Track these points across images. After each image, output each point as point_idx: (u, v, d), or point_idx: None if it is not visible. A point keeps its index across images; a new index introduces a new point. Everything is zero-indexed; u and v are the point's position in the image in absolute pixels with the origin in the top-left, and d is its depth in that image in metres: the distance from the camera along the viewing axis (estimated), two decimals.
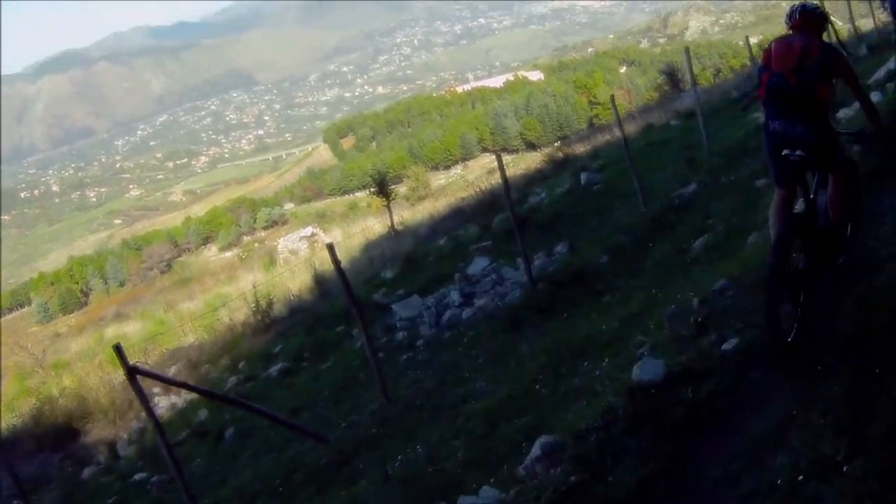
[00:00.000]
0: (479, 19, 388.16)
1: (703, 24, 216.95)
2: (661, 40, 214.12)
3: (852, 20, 31.79)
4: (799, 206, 6.65)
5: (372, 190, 41.94)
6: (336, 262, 11.55)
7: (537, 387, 8.79)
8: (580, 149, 32.77)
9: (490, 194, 24.76)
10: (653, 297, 10.02)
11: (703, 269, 10.00)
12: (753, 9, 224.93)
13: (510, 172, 38.24)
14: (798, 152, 5.89)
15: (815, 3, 6.69)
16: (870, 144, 7.66)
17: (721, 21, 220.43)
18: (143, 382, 9.63)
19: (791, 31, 6.25)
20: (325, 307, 20.40)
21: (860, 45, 23.97)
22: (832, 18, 21.47)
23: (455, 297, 15.28)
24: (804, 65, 5.82)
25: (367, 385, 12.36)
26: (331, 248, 11.78)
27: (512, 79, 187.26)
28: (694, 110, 20.13)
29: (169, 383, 15.67)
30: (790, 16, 6.34)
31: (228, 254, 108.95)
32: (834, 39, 21.97)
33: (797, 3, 6.39)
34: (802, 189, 6.26)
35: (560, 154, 31.39)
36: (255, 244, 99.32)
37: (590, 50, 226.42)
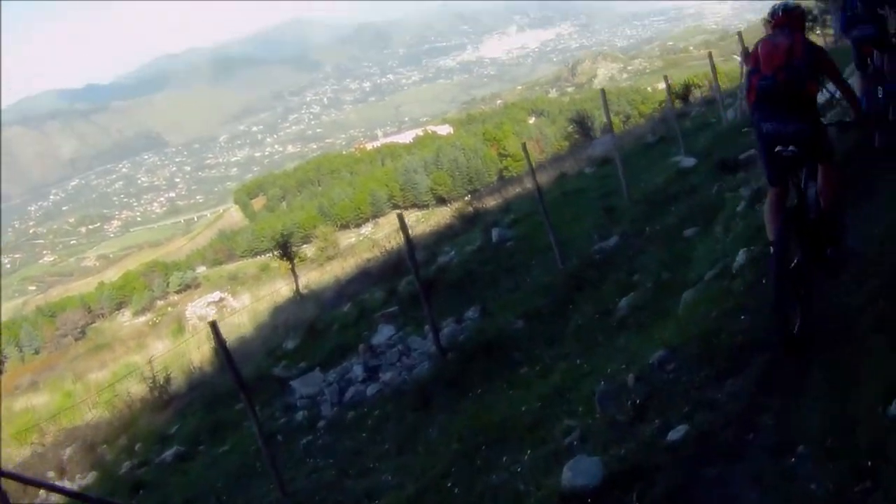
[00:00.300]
0: (388, 75, 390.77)
1: (611, 72, 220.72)
2: (570, 89, 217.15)
3: None
4: (791, 201, 6.67)
5: (276, 254, 40.64)
6: (221, 342, 10.68)
7: (449, 483, 7.72)
8: (491, 202, 32.10)
9: (397, 255, 23.73)
10: (577, 369, 9.10)
11: (632, 335, 9.14)
12: (661, 54, 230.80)
13: (420, 229, 37.67)
14: (791, 148, 6.14)
15: (795, 1, 6.71)
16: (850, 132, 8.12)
17: (629, 68, 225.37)
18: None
19: (773, 31, 6.42)
20: (226, 381, 19.22)
21: None
22: None
23: (358, 371, 14.24)
24: (791, 63, 6.00)
25: (264, 475, 11.19)
26: (214, 326, 10.70)
27: (421, 134, 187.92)
28: (608, 157, 19.46)
29: (30, 484, 14.27)
30: (772, 14, 6.52)
31: (142, 319, 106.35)
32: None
33: (777, 1, 6.50)
34: (794, 184, 6.50)
35: (470, 209, 30.50)
36: (168, 308, 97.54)
37: (498, 102, 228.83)
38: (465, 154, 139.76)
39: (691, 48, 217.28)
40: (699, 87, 58.63)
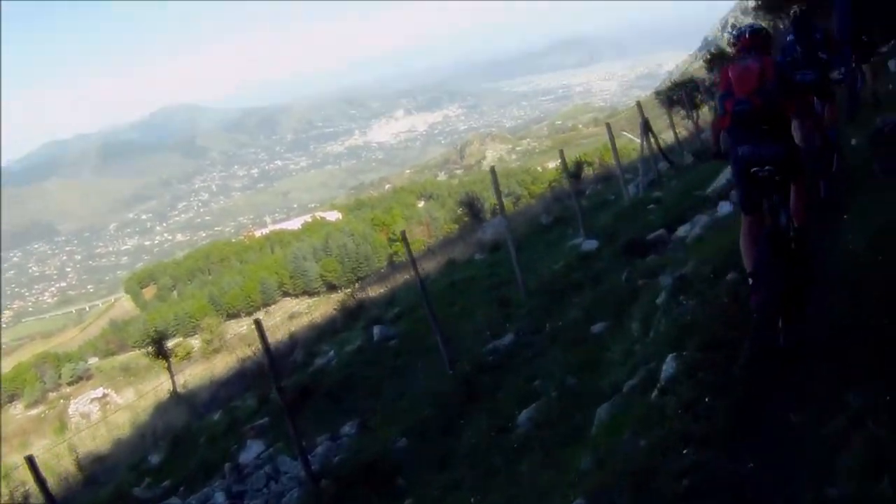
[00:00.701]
0: (276, 161, 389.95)
1: (500, 153, 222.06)
2: (459, 171, 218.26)
3: (672, 127, 31.60)
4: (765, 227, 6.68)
5: (148, 351, 38.25)
6: (41, 481, 9.20)
7: None
8: (378, 291, 30.75)
9: (276, 352, 21.95)
10: None
11: (537, 463, 7.72)
12: (550, 133, 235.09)
13: (307, 320, 36.36)
14: (767, 168, 6.27)
15: (760, 24, 7.46)
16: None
17: (518, 148, 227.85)
18: None
19: (740, 54, 6.62)
20: (89, 497, 17.51)
21: (683, 153, 23.23)
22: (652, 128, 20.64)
23: (220, 499, 12.55)
24: (765, 85, 6.17)
25: None
26: (31, 461, 9.09)
27: (310, 220, 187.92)
28: (500, 241, 18.11)
29: None
30: (738, 37, 6.74)
31: (34, 411, 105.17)
32: (655, 148, 21.43)
33: (743, 25, 6.90)
34: (769, 208, 6.57)
35: (353, 300, 28.87)
36: (60, 400, 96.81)
37: (387, 186, 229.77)
38: (354, 240, 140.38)
39: (580, 126, 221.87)
40: (591, 164, 58.51)
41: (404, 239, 17.04)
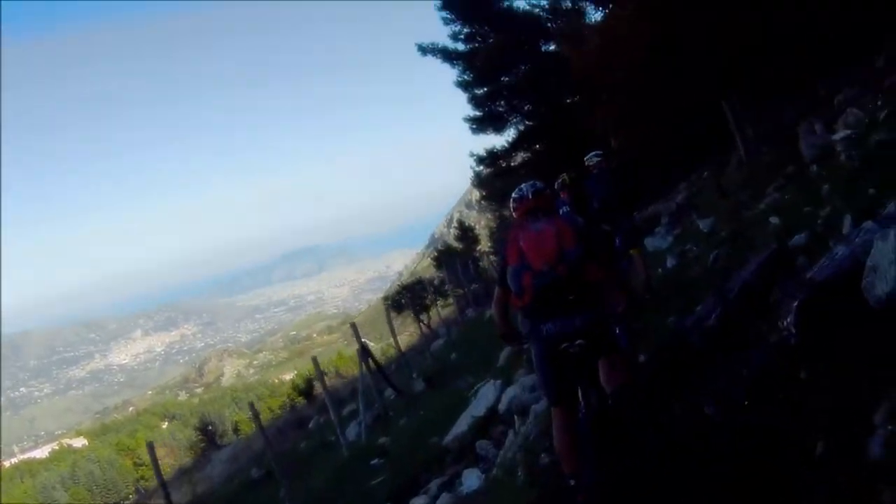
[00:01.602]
0: (21, 389, 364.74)
1: (238, 368, 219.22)
2: (199, 390, 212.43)
3: (397, 345, 28.72)
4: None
5: None
6: None
7: None
8: None
9: None
10: None
11: None
12: (286, 345, 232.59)
13: None
14: (579, 342, 5.30)
15: (539, 182, 6.05)
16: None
17: (255, 362, 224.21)
18: None
19: (524, 218, 5.74)
20: None
21: (413, 374, 20.31)
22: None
23: None
24: (565, 251, 5.33)
25: None
26: None
27: (57, 448, 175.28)
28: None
29: None
30: (520, 200, 5.88)
31: None
32: (377, 371, 18.49)
33: (522, 185, 5.96)
34: (582, 391, 5.59)
35: None
36: None
37: (131, 409, 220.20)
38: (101, 466, 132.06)
39: (315, 335, 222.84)
40: (327, 374, 55.63)
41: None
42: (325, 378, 52.98)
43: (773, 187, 14.38)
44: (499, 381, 11.95)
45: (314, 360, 19.92)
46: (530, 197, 5.79)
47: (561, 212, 8.50)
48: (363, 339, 17.82)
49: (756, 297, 7.71)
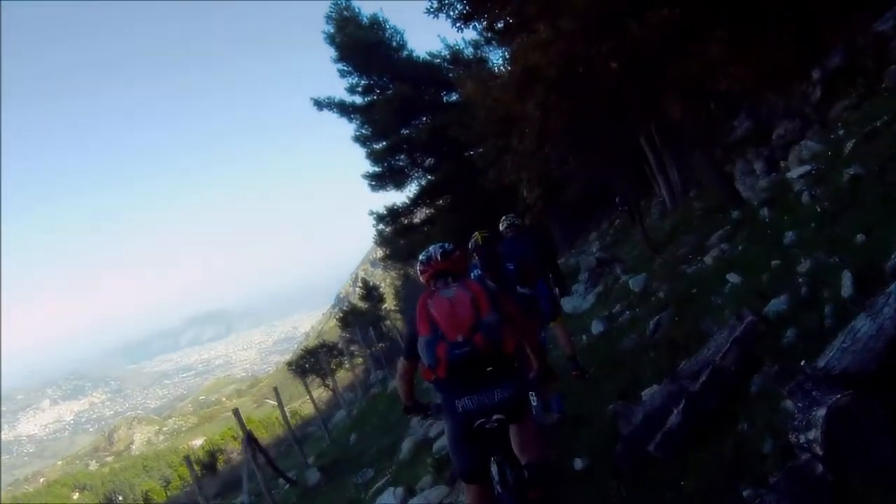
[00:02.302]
0: None
1: (148, 435, 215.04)
2: (109, 458, 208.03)
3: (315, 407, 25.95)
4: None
5: None
6: None
7: None
8: None
9: None
10: None
11: None
12: (195, 409, 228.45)
13: None
14: (496, 417, 4.84)
15: (447, 244, 5.48)
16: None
17: (164, 429, 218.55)
18: None
19: (433, 283, 5.24)
20: None
21: (307, 463, 17.59)
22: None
23: None
24: (482, 319, 4.77)
25: None
26: None
27: None
28: None
29: None
30: (428, 262, 5.34)
31: None
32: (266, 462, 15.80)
33: (430, 247, 5.48)
34: (497, 465, 5.09)
35: None
36: None
37: (42, 480, 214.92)
38: None
39: (224, 399, 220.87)
40: (236, 438, 54.52)
41: None
42: (236, 442, 50.27)
43: (718, 237, 12.38)
44: (400, 490, 9.98)
45: (236, 412, 16.63)
46: (439, 259, 5.25)
47: (472, 275, 7.60)
48: (247, 432, 14.96)
49: (730, 387, 5.95)
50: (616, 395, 7.74)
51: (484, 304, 4.79)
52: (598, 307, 14.67)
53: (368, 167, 38.65)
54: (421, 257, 5.39)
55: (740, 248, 10.55)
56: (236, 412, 16.72)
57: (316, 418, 32.24)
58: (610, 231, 35.24)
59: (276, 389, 20.38)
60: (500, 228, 9.99)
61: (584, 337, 12.25)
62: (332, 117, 36.77)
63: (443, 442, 10.49)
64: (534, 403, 7.55)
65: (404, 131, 37.30)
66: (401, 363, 5.34)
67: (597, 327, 12.22)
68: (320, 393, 48.43)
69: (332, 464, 15.29)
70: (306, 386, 28.00)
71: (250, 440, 14.41)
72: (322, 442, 20.46)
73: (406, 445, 12.10)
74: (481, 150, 29.27)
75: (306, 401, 45.55)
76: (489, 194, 29.86)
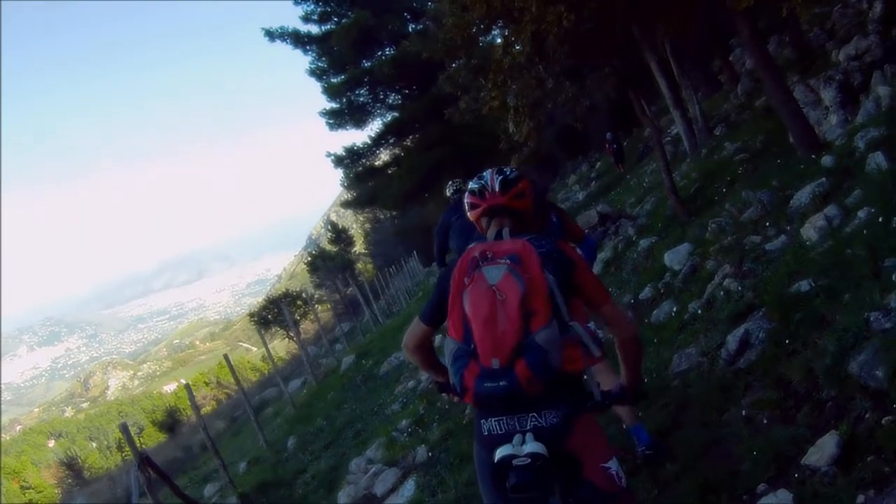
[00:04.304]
0: None
1: (123, 380, 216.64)
2: (85, 405, 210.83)
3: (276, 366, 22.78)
4: None
5: None
6: None
7: None
8: None
9: None
10: None
11: None
12: (169, 353, 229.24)
13: None
14: (527, 451, 2.96)
15: (507, 168, 3.45)
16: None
17: (139, 374, 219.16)
18: None
19: (483, 221, 3.42)
20: None
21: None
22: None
23: None
24: (531, 336, 2.90)
25: None
26: None
27: None
28: None
29: None
30: (480, 193, 3.39)
31: None
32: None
33: (485, 171, 3.48)
34: None
35: None
36: None
37: (18, 428, 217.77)
38: None
39: (198, 342, 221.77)
40: (208, 384, 53.70)
41: None
42: (209, 389, 47.89)
43: (809, 194, 7.97)
44: None
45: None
46: (497, 189, 3.27)
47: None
48: (141, 454, 10.99)
49: None
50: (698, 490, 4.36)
51: (541, 304, 2.91)
52: (608, 281, 10.97)
53: (325, 103, 35.60)
54: (472, 185, 3.48)
55: (860, 214, 6.70)
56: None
57: (274, 375, 29.98)
58: (592, 175, 31.85)
59: (226, 357, 17.41)
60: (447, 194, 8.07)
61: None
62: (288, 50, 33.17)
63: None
64: None
65: (365, 63, 34.09)
66: (415, 326, 3.45)
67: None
68: (287, 343, 45.94)
69: (258, 488, 11.71)
70: (265, 342, 24.96)
71: (143, 464, 9.92)
72: (259, 441, 16.99)
73: (342, 501, 8.55)
74: (451, 69, 22.41)
75: (283, 340, 43.28)
76: (465, 131, 26.68)
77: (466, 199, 3.54)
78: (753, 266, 7.06)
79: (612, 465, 3.20)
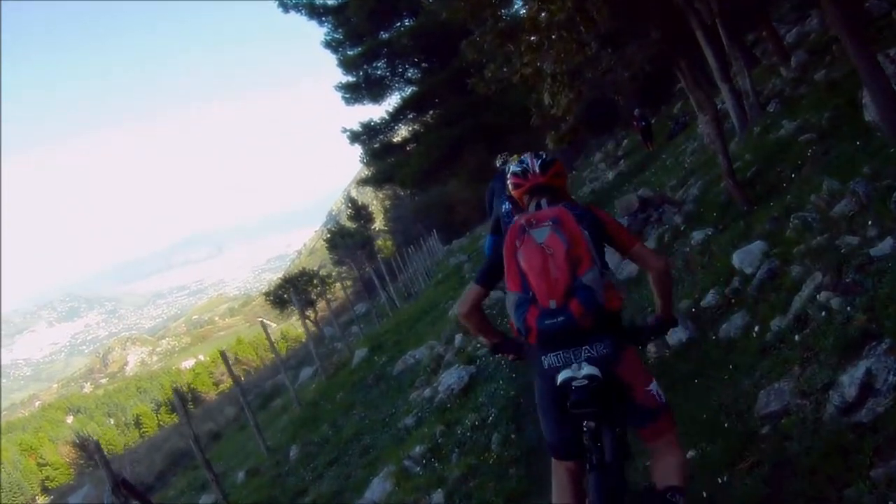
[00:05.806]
0: None
1: (142, 356, 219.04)
2: (104, 381, 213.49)
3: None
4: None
5: None
6: None
7: None
8: None
9: None
10: None
11: None
12: (188, 329, 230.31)
13: None
14: (585, 374, 3.47)
15: (543, 153, 4.19)
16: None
17: (158, 349, 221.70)
18: None
19: (526, 198, 4.10)
20: None
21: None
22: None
23: None
24: (578, 279, 3.50)
25: None
26: None
27: None
28: None
29: None
30: (523, 174, 4.05)
31: None
32: None
33: (524, 155, 4.20)
34: (590, 434, 3.66)
35: None
36: None
37: (37, 403, 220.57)
38: (5, 469, 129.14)
39: (217, 318, 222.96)
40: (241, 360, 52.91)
41: None
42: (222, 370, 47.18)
43: None
44: None
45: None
46: (538, 171, 3.98)
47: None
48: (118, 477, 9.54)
49: None
50: None
51: (583, 253, 3.55)
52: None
53: (341, 77, 34.34)
54: (514, 168, 4.11)
55: None
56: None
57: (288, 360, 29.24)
58: (619, 154, 30.63)
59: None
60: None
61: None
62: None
63: None
64: None
65: (383, 35, 32.77)
66: (471, 289, 4.02)
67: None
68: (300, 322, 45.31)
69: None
70: (266, 331, 23.95)
71: (119, 486, 8.48)
72: (259, 448, 15.71)
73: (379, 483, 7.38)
74: (477, 33, 19.75)
75: (297, 320, 42.76)
76: (488, 106, 25.26)
77: (510, 180, 4.13)
78: (858, 278, 5.53)
79: (653, 386, 3.72)
